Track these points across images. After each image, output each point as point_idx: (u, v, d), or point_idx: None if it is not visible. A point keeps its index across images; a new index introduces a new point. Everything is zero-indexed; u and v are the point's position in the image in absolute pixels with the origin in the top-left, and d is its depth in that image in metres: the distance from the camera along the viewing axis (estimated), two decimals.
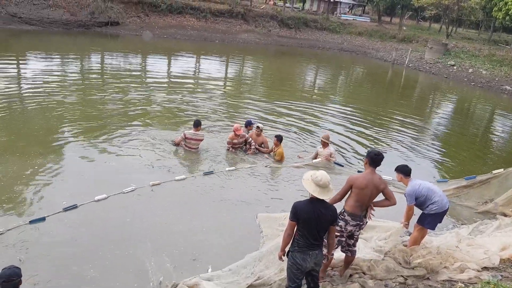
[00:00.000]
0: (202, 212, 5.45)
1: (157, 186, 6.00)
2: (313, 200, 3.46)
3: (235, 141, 7.71)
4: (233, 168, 6.93)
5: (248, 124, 8.16)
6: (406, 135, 10.59)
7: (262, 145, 7.94)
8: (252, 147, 7.75)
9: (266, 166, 7.26)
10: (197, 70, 17.09)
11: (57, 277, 3.99)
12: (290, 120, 10.55)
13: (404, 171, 4.73)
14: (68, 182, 5.82)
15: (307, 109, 11.96)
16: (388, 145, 9.58)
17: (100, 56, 17.05)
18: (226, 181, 6.47)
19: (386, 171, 7.43)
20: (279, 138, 7.62)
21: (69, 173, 6.10)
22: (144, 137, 8.09)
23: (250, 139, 7.83)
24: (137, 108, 10.05)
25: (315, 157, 7.54)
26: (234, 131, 7.66)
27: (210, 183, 6.36)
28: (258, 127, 7.95)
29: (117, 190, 5.68)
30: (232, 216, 5.44)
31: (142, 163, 6.83)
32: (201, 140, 7.84)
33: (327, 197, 3.44)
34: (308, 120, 10.84)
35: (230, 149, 7.71)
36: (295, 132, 9.54)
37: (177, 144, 7.74)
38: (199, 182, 6.34)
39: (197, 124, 7.79)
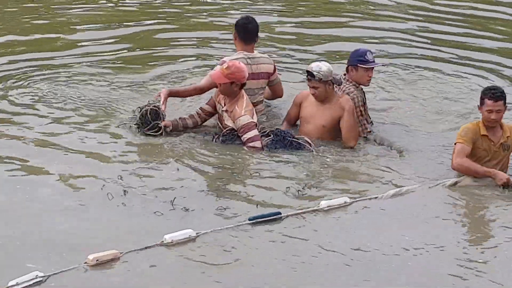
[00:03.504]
0: None
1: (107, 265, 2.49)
2: None
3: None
4: (346, 200, 3.18)
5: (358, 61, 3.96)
6: None
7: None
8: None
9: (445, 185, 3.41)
10: None
11: None
12: None
13: None
14: None
15: None
16: None
17: None
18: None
19: None
20: None
21: None
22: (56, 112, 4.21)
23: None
24: None
25: None
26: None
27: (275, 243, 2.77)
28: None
29: None
30: None
31: (64, 194, 3.16)
32: (268, 75, 4.03)
33: None
34: None
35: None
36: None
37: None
38: (244, 239, 2.79)
39: (251, 34, 4.00)
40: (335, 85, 3.87)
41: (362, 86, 4.03)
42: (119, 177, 3.33)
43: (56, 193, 3.17)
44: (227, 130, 3.81)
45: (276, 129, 3.89)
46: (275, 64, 4.24)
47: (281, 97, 4.29)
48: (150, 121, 3.77)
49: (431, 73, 5.27)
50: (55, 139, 3.81)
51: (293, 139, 3.77)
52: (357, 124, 3.94)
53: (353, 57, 3.99)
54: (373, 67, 3.96)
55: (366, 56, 3.91)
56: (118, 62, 5.55)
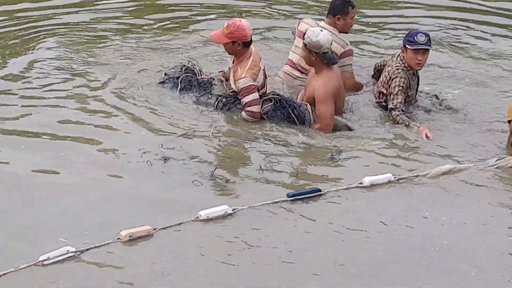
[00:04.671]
0: None
1: (148, 239, 2.43)
2: None
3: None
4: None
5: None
6: None
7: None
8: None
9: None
10: None
11: None
12: None
13: None
14: None
15: None
16: None
17: None
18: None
19: None
20: None
21: None
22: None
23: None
24: None
25: None
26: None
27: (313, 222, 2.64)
28: None
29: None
30: None
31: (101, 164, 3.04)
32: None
33: None
34: None
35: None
36: None
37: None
38: (282, 217, 2.65)
39: (330, 7, 3.90)
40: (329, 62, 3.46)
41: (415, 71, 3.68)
42: (160, 145, 3.23)
43: (93, 161, 3.08)
44: (229, 93, 3.67)
45: (278, 95, 3.61)
46: None
47: (348, 89, 3.92)
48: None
49: (488, 45, 4.85)
50: (92, 104, 3.71)
51: (293, 107, 3.50)
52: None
53: (405, 37, 3.70)
54: (423, 51, 3.55)
55: (416, 37, 3.55)
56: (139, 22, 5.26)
